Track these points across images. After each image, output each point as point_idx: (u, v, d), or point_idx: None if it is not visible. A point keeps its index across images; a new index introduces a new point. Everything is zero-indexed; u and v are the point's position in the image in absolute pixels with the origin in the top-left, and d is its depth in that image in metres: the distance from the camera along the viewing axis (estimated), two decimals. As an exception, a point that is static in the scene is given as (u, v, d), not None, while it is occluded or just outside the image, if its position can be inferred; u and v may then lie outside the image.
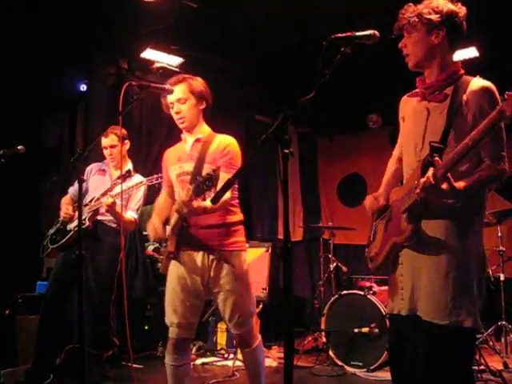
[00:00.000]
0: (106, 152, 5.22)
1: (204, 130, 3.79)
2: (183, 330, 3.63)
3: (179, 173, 3.74)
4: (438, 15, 2.71)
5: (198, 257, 3.60)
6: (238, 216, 3.74)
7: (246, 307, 3.62)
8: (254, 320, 3.74)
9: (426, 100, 2.82)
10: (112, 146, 5.19)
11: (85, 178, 5.18)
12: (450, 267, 2.59)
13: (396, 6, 2.84)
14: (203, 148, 3.67)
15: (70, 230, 5.06)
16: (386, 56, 5.68)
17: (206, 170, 3.49)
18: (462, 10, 2.77)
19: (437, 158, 2.49)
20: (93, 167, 5.35)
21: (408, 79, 2.94)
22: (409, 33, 2.79)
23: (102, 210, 4.96)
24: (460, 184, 2.50)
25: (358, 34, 2.49)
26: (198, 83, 3.74)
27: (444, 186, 2.45)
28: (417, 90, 2.92)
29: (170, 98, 3.69)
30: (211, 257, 3.58)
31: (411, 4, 2.81)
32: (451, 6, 2.74)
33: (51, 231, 5.28)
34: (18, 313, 5.64)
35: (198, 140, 3.72)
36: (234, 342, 6.25)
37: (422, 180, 2.47)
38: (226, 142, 3.69)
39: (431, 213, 2.62)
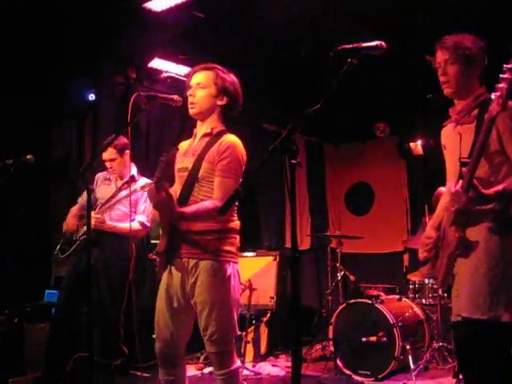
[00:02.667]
0: (107, 165, 5.24)
1: (216, 125, 3.51)
2: (165, 344, 3.42)
3: (179, 167, 3.53)
4: (480, 52, 2.97)
5: (182, 264, 3.34)
6: (235, 223, 3.47)
7: (221, 324, 3.29)
8: (232, 341, 3.38)
9: (459, 124, 3.03)
10: (111, 160, 5.20)
11: (93, 187, 5.22)
12: (489, 266, 2.80)
13: (404, 19, 2.87)
14: (207, 145, 3.43)
15: (77, 240, 5.10)
16: (393, 65, 5.71)
17: (204, 168, 3.35)
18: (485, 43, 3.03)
19: (463, 169, 2.75)
20: (99, 177, 5.37)
21: (415, 89, 2.99)
22: (452, 62, 2.96)
23: (109, 220, 5.02)
24: (490, 190, 2.75)
25: (364, 44, 2.53)
26: (228, 79, 3.51)
27: (470, 193, 2.70)
28: (451, 118, 3.12)
29: (191, 81, 3.51)
30: (191, 263, 3.31)
31: (449, 36, 3.02)
32: (483, 41, 3.00)
33: (61, 241, 5.31)
34: (25, 321, 5.65)
35: (205, 135, 3.49)
36: (242, 349, 6.26)
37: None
38: (227, 142, 3.40)
39: (473, 219, 2.85)
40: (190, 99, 3.48)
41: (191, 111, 3.50)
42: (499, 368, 2.80)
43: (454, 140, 3.05)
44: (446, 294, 5.86)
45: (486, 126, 2.61)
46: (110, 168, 5.23)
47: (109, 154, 5.15)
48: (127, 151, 5.22)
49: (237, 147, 3.42)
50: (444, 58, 2.99)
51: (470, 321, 2.79)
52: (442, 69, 3.01)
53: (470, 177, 2.70)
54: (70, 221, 5.21)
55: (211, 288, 3.28)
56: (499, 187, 2.77)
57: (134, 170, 5.25)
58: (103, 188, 5.27)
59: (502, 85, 2.57)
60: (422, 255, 3.20)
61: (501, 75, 2.58)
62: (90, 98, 6.78)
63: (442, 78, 3.03)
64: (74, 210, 5.35)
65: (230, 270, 3.36)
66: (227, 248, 3.38)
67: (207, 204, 3.27)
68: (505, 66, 2.60)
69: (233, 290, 3.36)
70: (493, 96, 2.60)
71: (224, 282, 3.32)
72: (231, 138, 3.45)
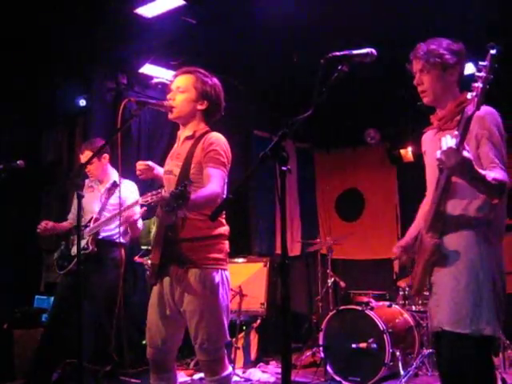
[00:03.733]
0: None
1: (199, 128, 3.50)
2: (157, 351, 3.40)
3: (166, 170, 3.54)
4: (455, 57, 2.91)
5: (172, 272, 3.33)
6: (224, 228, 3.44)
7: (211, 332, 3.28)
8: (222, 348, 3.36)
9: (441, 131, 2.96)
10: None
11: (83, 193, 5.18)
12: (470, 278, 2.73)
13: (394, 26, 2.87)
14: (192, 147, 3.41)
15: (75, 256, 5.01)
16: (384, 72, 5.74)
17: (193, 170, 3.34)
18: (463, 46, 2.98)
19: (456, 133, 2.52)
20: (84, 184, 5.32)
21: (406, 96, 2.98)
22: (427, 71, 2.94)
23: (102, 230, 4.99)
24: (481, 171, 2.56)
25: (355, 52, 2.53)
26: (208, 82, 3.50)
27: (465, 153, 2.44)
28: (433, 125, 3.07)
29: (172, 85, 3.53)
30: (180, 271, 3.29)
31: (422, 44, 2.98)
32: (459, 45, 2.96)
33: (56, 255, 5.26)
34: (15, 327, 5.63)
35: (187, 138, 3.48)
36: (232, 355, 6.25)
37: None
38: (210, 137, 3.39)
39: (451, 227, 2.78)
40: (169, 103, 3.48)
41: (170, 115, 3.49)
42: (483, 382, 2.76)
43: (435, 146, 2.89)
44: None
45: (463, 124, 2.48)
46: (88, 171, 5.17)
47: (85, 157, 5.08)
48: (105, 155, 5.19)
49: (220, 140, 3.41)
50: (418, 67, 2.98)
51: (453, 334, 2.72)
52: (418, 78, 3.00)
53: (463, 135, 2.47)
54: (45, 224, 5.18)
55: (200, 296, 3.26)
56: (490, 174, 2.59)
57: (115, 175, 5.22)
58: (88, 196, 5.19)
59: (477, 84, 2.47)
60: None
61: (476, 73, 2.49)
62: (81, 104, 6.78)
63: (418, 88, 3.01)
64: (65, 223, 5.33)
65: (218, 277, 3.33)
66: (215, 255, 3.35)
67: (205, 189, 3.22)
68: (480, 63, 2.49)
69: (222, 298, 3.34)
70: (469, 96, 2.50)
71: (213, 290, 3.30)
72: (213, 134, 3.45)
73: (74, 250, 5.05)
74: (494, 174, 2.62)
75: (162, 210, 2.91)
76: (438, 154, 2.50)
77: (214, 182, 3.24)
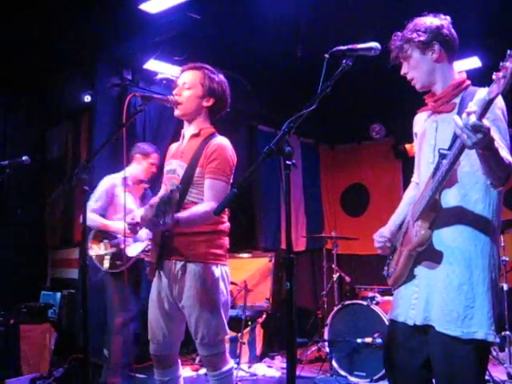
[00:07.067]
0: None
1: (204, 126, 3.48)
2: (159, 346, 3.42)
3: (168, 169, 3.52)
4: (427, 34, 2.74)
5: (170, 266, 3.33)
6: (225, 225, 3.44)
7: (210, 328, 3.28)
8: (223, 343, 3.38)
9: (436, 112, 2.81)
10: None
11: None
12: (464, 278, 2.58)
13: (398, 18, 2.87)
14: (199, 148, 3.38)
15: (132, 256, 5.13)
16: (389, 66, 5.72)
17: (197, 173, 3.31)
18: (445, 20, 2.80)
19: (444, 160, 2.42)
20: None
21: (411, 90, 2.96)
22: (406, 60, 2.82)
23: None
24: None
25: (359, 46, 2.51)
26: (215, 79, 3.47)
27: (486, 121, 2.15)
28: (427, 106, 2.92)
29: (178, 80, 3.48)
30: (178, 266, 3.29)
31: (397, 33, 2.84)
32: (435, 21, 2.78)
33: (107, 252, 5.17)
34: (21, 322, 5.65)
35: (194, 136, 3.46)
36: (238, 350, 6.26)
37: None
38: (215, 144, 3.35)
39: (445, 220, 2.62)
40: (175, 98, 3.44)
41: (176, 112, 3.46)
42: None
43: (430, 129, 2.84)
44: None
45: (483, 106, 2.12)
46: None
47: (153, 158, 5.30)
48: None
49: (225, 148, 3.38)
50: (399, 57, 2.84)
51: (444, 335, 2.56)
52: (403, 68, 2.86)
53: (482, 114, 2.13)
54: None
55: (199, 292, 3.26)
56: (501, 151, 2.33)
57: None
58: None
59: (507, 63, 2.07)
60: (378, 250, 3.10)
61: (509, 51, 2.10)
62: (86, 100, 6.78)
63: (407, 77, 2.87)
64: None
65: (217, 272, 3.33)
66: (215, 251, 3.35)
67: (201, 207, 3.23)
68: None
69: (221, 293, 3.34)
70: (494, 76, 2.14)
71: (212, 285, 3.30)
72: (219, 140, 3.41)
73: (130, 251, 5.13)
74: (504, 152, 2.39)
75: (148, 219, 2.90)
76: (461, 123, 2.15)
77: (211, 198, 3.24)
